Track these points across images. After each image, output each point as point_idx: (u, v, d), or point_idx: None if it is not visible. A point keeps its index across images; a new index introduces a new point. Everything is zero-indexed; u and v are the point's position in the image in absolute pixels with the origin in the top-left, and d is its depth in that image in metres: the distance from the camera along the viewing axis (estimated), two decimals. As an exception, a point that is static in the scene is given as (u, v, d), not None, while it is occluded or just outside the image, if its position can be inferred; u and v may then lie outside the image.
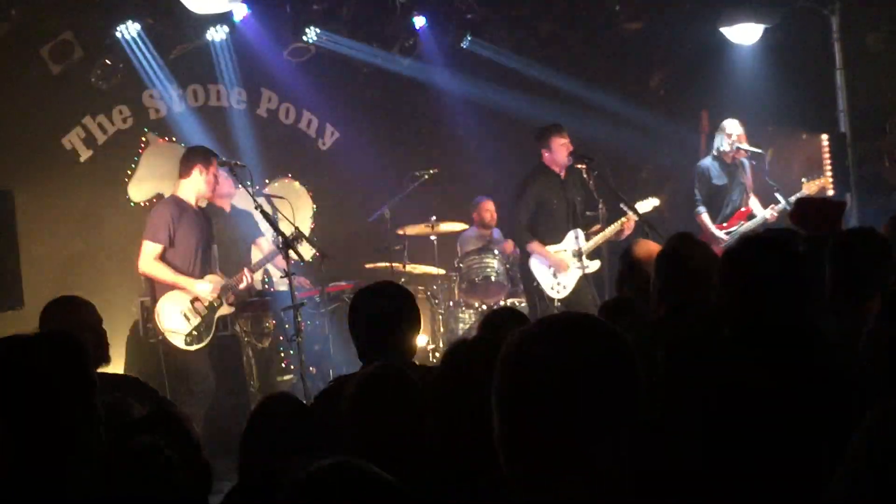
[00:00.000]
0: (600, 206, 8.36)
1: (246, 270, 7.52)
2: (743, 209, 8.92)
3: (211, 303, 7.23)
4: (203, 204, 7.60)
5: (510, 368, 1.86)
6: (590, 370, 1.82)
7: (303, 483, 1.99)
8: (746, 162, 8.97)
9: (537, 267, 8.43)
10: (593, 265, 8.43)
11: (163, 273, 7.13)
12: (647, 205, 8.39)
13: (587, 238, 8.43)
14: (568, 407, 1.80)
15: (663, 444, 2.20)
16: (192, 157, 7.40)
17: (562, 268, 8.35)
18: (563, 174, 8.49)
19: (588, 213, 8.53)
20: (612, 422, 1.82)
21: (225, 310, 7.33)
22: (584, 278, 8.39)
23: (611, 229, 8.32)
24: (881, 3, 10.05)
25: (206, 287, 7.23)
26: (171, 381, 6.98)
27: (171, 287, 7.16)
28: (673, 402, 2.68)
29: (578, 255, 8.31)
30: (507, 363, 1.87)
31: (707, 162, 9.02)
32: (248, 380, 7.90)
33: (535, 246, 8.40)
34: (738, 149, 8.84)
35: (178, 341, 7.05)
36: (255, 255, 8.27)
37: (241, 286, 7.51)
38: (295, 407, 3.56)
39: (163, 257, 7.16)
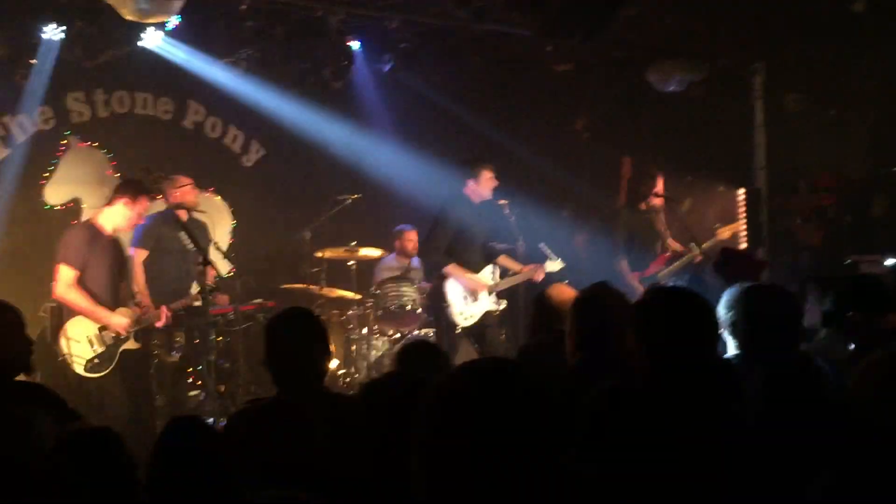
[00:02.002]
0: (520, 243, 8.45)
1: (165, 308, 7.32)
2: (661, 255, 9.07)
3: (119, 335, 7.03)
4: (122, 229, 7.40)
5: (432, 413, 1.89)
6: (510, 417, 1.86)
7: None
8: (660, 209, 9.15)
9: (451, 290, 8.39)
10: (502, 304, 8.50)
11: (79, 301, 6.92)
12: (554, 265, 8.48)
13: (503, 276, 8.50)
14: (487, 453, 1.83)
15: (585, 488, 2.24)
16: (122, 189, 7.26)
17: (478, 289, 8.35)
18: (479, 204, 8.52)
19: (502, 245, 8.62)
20: (531, 466, 1.85)
21: (131, 344, 7.09)
22: (490, 315, 8.44)
23: (525, 274, 8.43)
24: (801, 65, 10.36)
25: (122, 321, 7.04)
26: (79, 398, 6.81)
27: (81, 313, 6.97)
28: (591, 448, 2.73)
29: (492, 290, 8.39)
30: (429, 409, 1.90)
31: (625, 209, 9.17)
32: (154, 394, 7.77)
33: (452, 268, 8.35)
34: (656, 196, 9.00)
35: (78, 367, 6.86)
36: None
37: (158, 324, 7.33)
38: (203, 432, 3.51)
39: (79, 283, 6.95)
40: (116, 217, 7.19)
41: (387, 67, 10.11)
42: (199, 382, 8.32)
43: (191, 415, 3.63)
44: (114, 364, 6.95)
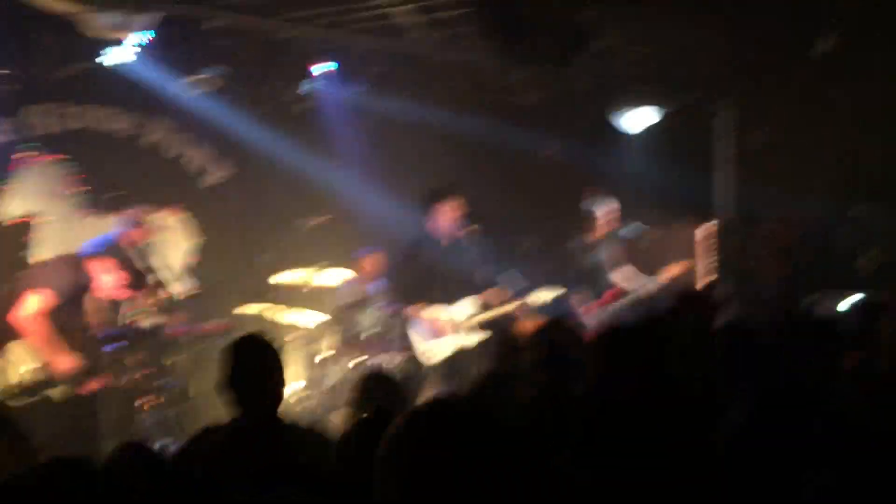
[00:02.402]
0: (484, 275, 8.44)
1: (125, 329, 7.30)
2: (613, 288, 9.11)
3: (57, 374, 6.90)
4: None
5: (393, 456, 1.91)
6: (466, 457, 1.87)
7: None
8: (616, 242, 9.20)
9: (414, 328, 8.38)
10: (473, 338, 8.43)
11: (39, 336, 6.81)
12: (549, 294, 8.48)
13: (472, 310, 8.44)
14: (446, 491, 1.84)
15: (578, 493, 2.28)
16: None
17: (441, 333, 8.31)
18: (446, 240, 8.47)
19: (467, 278, 8.60)
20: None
21: (58, 392, 6.97)
22: (464, 350, 8.38)
23: (495, 309, 8.39)
24: (763, 104, 10.46)
25: (69, 363, 6.94)
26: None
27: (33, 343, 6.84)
28: (584, 454, 2.76)
29: (461, 325, 8.34)
30: (390, 452, 1.91)
31: (578, 241, 9.18)
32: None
33: (412, 310, 8.35)
34: (609, 227, 9.07)
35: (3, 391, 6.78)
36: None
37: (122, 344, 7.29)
38: (151, 457, 3.44)
39: (43, 315, 6.84)
40: (101, 277, 7.17)
41: (359, 91, 10.10)
42: (152, 406, 8.18)
43: (137, 441, 3.55)
44: (27, 402, 6.82)
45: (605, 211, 9.14)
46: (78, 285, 7.00)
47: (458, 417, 1.93)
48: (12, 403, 6.69)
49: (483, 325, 8.49)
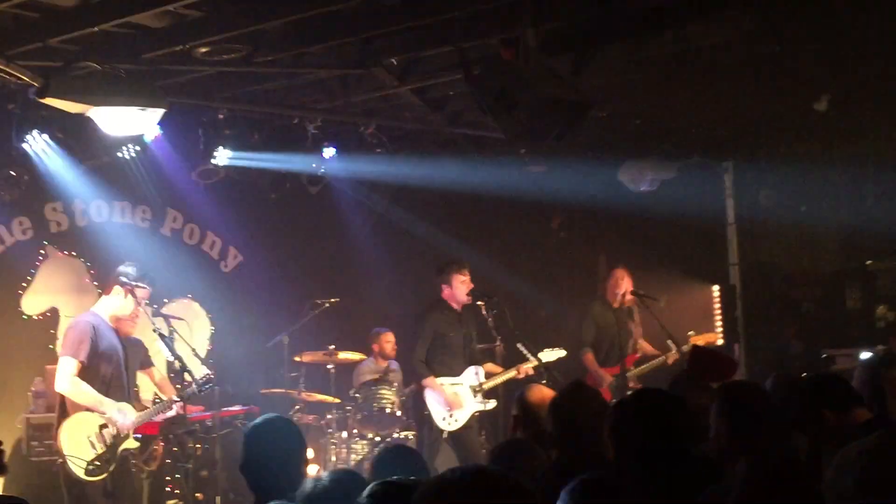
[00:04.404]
0: (497, 343, 8.52)
1: (176, 405, 7.14)
2: (631, 355, 9.16)
3: (119, 432, 6.82)
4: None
5: None
6: None
7: None
8: (635, 309, 9.26)
9: (431, 398, 8.48)
10: (490, 403, 8.55)
11: (82, 393, 6.73)
12: (552, 355, 8.56)
13: (487, 377, 8.56)
14: None
15: None
16: (117, 276, 7.13)
17: (455, 405, 8.44)
18: (459, 309, 8.63)
19: (480, 346, 8.69)
20: None
21: (130, 443, 6.92)
22: (475, 416, 8.48)
23: (508, 374, 8.52)
24: (772, 161, 10.55)
25: (125, 418, 6.85)
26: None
27: (84, 408, 6.75)
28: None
29: (477, 391, 8.42)
30: None
31: (597, 306, 9.26)
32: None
33: (430, 382, 8.48)
34: (626, 296, 9.11)
35: (79, 470, 6.61)
36: (144, 383, 7.97)
37: (169, 415, 7.17)
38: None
39: (83, 375, 6.77)
40: (114, 305, 7.06)
41: (367, 173, 10.26)
42: (177, 491, 8.23)
43: None
44: (113, 466, 6.73)
45: (622, 277, 9.21)
46: (106, 342, 6.95)
47: (484, 483, 1.98)
48: (97, 478, 6.64)
49: (493, 393, 8.57)
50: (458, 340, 8.61)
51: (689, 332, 9.21)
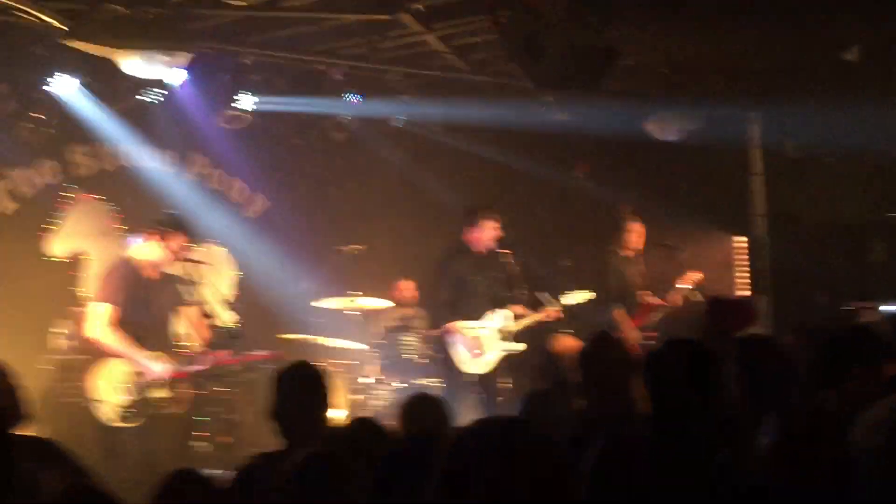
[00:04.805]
0: (525, 292, 8.49)
1: (206, 355, 7.13)
2: (646, 303, 9.13)
3: (153, 381, 6.82)
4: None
5: (446, 474, 1.96)
6: (521, 476, 1.95)
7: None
8: (641, 258, 9.25)
9: (455, 342, 8.42)
10: (518, 346, 8.49)
11: (115, 341, 6.68)
12: (578, 297, 8.52)
13: (515, 319, 8.49)
14: None
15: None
16: (155, 226, 7.10)
17: (478, 347, 8.37)
18: (484, 251, 8.55)
19: (507, 294, 8.66)
20: None
21: (163, 392, 6.89)
22: (503, 360, 8.45)
23: (537, 316, 8.44)
24: (800, 112, 10.45)
25: (161, 368, 6.82)
26: (99, 455, 6.67)
27: (116, 355, 6.72)
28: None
29: (505, 334, 8.39)
30: (444, 470, 1.97)
31: (616, 258, 9.20)
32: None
33: (453, 327, 8.42)
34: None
35: (112, 415, 6.65)
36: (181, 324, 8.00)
37: (200, 368, 7.16)
38: (202, 485, 3.52)
39: (117, 323, 6.71)
40: (151, 253, 7.03)
41: (400, 123, 10.23)
42: (205, 434, 8.32)
43: (190, 468, 3.61)
44: (144, 413, 6.72)
45: (637, 227, 9.18)
46: (141, 288, 6.93)
47: (513, 435, 2.01)
48: (130, 424, 6.65)
49: (520, 336, 8.54)
50: (482, 284, 8.51)
51: (676, 278, 9.17)
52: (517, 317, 8.50)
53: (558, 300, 8.28)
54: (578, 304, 8.51)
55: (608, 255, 9.21)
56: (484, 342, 8.42)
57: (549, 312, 8.41)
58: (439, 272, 8.54)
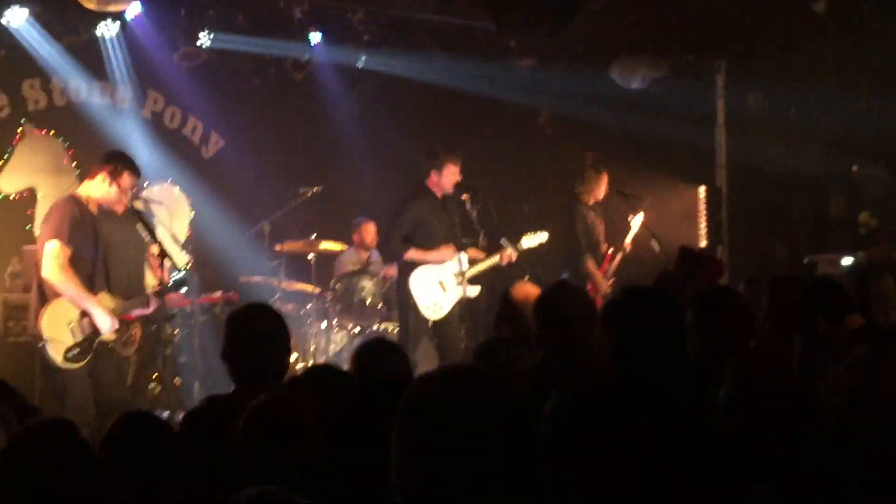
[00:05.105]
0: (481, 237, 8.39)
1: (152, 298, 6.85)
2: (609, 254, 9.10)
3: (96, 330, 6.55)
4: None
5: (407, 423, 1.91)
6: (479, 424, 1.89)
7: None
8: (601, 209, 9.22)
9: (416, 285, 8.21)
10: (473, 290, 8.38)
11: (71, 286, 6.41)
12: (534, 240, 8.41)
13: (470, 263, 8.36)
14: (457, 459, 1.86)
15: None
16: (104, 161, 6.73)
17: (435, 289, 8.20)
18: (440, 196, 8.42)
19: (465, 239, 8.55)
20: (500, 471, 1.87)
21: (108, 336, 6.62)
22: (459, 305, 8.33)
23: (492, 260, 8.33)
24: (763, 65, 10.41)
25: (108, 323, 6.53)
26: (46, 397, 6.51)
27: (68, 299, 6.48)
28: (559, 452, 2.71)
29: (460, 277, 8.24)
30: (401, 419, 1.91)
31: (583, 208, 9.13)
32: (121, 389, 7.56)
33: (413, 253, 8.15)
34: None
35: (57, 356, 6.40)
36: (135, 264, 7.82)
37: (147, 312, 6.94)
38: (157, 427, 3.44)
39: (67, 263, 6.41)
40: (98, 191, 6.70)
41: (361, 63, 10.05)
42: (155, 376, 8.22)
43: (143, 410, 3.50)
44: (90, 356, 6.51)
45: (601, 177, 9.11)
46: (88, 226, 6.63)
47: (470, 383, 1.94)
48: (75, 364, 6.41)
49: (475, 280, 8.43)
50: (442, 228, 8.35)
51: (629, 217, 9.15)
52: (473, 261, 8.37)
53: (515, 244, 8.16)
54: (537, 248, 8.37)
55: (576, 204, 9.13)
56: (441, 285, 8.27)
57: (505, 256, 8.31)
58: (398, 212, 8.34)
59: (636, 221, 9.03)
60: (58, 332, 6.43)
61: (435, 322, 8.23)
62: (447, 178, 8.28)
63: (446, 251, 8.20)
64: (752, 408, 2.89)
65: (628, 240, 8.93)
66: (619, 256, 9.01)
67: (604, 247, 9.11)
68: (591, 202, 9.12)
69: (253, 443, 3.18)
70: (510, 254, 8.29)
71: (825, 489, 2.47)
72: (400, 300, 8.36)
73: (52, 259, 6.41)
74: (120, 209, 6.91)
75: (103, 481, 2.91)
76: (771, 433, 2.86)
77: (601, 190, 9.14)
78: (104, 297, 6.65)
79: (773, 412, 2.72)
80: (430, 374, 2.01)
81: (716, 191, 10.45)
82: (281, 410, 3.22)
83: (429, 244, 8.24)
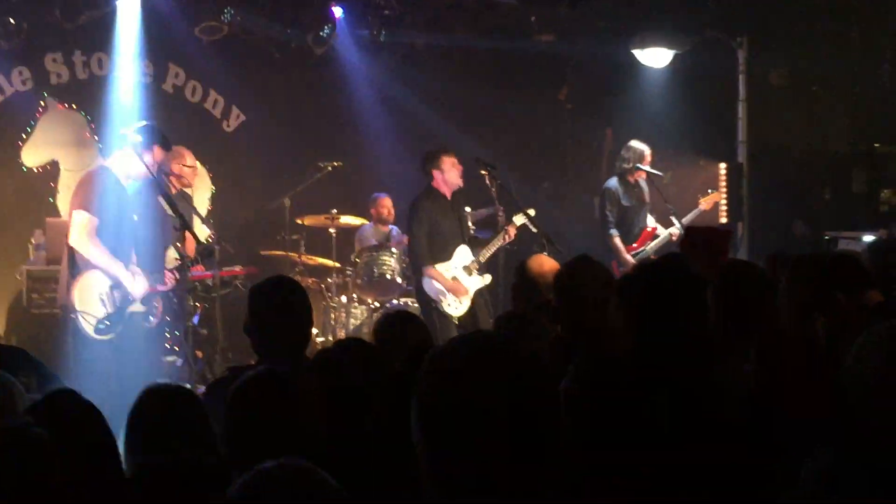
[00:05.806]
0: (499, 213, 8.37)
1: (168, 273, 6.99)
2: (648, 229, 9.06)
3: (129, 295, 6.68)
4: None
5: (430, 389, 1.91)
6: (506, 389, 1.88)
7: (252, 484, 1.95)
8: (644, 182, 9.11)
9: (432, 287, 8.16)
10: (486, 279, 8.37)
11: (99, 254, 6.49)
12: (519, 217, 8.30)
13: (475, 253, 8.33)
14: (485, 424, 1.86)
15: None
16: (135, 134, 6.85)
17: (459, 293, 8.22)
18: (449, 196, 8.34)
19: (483, 210, 8.56)
20: (526, 437, 1.87)
21: (137, 306, 6.73)
22: (479, 294, 8.32)
23: (497, 242, 8.30)
24: (786, 41, 10.34)
25: (139, 286, 6.67)
26: (70, 367, 6.55)
27: (94, 267, 6.53)
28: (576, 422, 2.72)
29: (471, 269, 8.25)
30: (427, 384, 1.91)
31: (614, 183, 9.04)
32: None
33: (432, 272, 8.14)
34: (639, 169, 8.96)
35: (88, 327, 6.48)
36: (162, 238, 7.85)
37: (164, 288, 7.04)
38: (183, 398, 3.48)
39: (94, 233, 6.51)
40: (128, 164, 6.79)
41: (383, 37, 10.03)
42: (177, 348, 8.27)
43: (167, 382, 3.53)
44: (119, 328, 6.59)
45: (637, 152, 9.02)
46: (118, 198, 6.72)
47: (496, 350, 1.93)
48: (106, 336, 6.52)
49: (487, 267, 8.40)
50: (453, 227, 8.32)
51: (698, 195, 9.16)
52: (478, 249, 8.34)
53: (531, 219, 8.08)
54: (531, 222, 8.24)
55: (611, 179, 9.10)
56: (461, 288, 8.22)
57: (508, 232, 8.27)
58: (413, 216, 8.30)
59: (696, 211, 9.02)
60: (89, 304, 6.51)
61: (460, 318, 8.22)
62: (449, 172, 8.23)
63: (459, 283, 8.19)
64: (777, 382, 2.89)
65: (676, 224, 8.81)
66: (662, 237, 8.92)
67: (646, 221, 9.05)
68: (632, 179, 9.01)
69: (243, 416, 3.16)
70: (510, 229, 8.25)
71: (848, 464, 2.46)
72: (419, 298, 8.36)
73: (80, 228, 6.51)
74: (149, 182, 6.97)
75: (111, 447, 2.95)
76: (797, 407, 2.87)
77: (630, 169, 8.99)
78: (136, 270, 6.73)
79: (799, 386, 2.72)
80: (450, 343, 2.00)
81: (736, 166, 10.38)
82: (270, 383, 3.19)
83: (441, 243, 8.23)
